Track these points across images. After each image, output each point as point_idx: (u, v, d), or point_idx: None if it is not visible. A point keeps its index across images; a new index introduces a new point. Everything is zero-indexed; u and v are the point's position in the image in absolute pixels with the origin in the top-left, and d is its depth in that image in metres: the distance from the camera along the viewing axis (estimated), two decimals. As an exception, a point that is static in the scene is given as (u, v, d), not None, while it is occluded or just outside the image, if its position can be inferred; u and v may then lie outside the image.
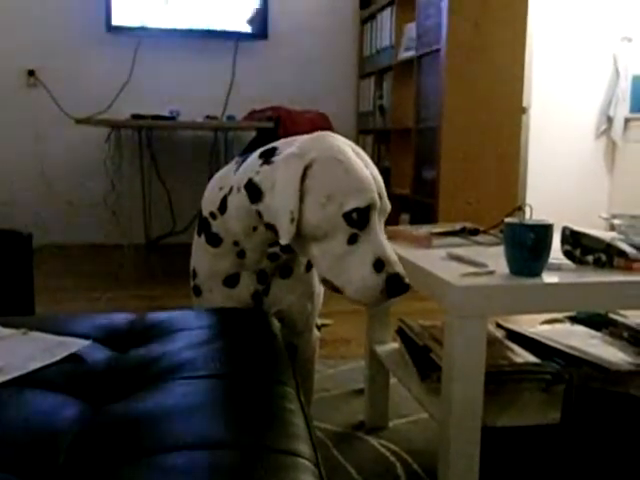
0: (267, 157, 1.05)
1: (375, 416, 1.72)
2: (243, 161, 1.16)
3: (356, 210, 0.98)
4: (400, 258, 1.40)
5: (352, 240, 0.99)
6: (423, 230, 1.61)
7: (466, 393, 1.15)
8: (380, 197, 1.02)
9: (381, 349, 1.65)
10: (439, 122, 3.23)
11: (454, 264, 1.28)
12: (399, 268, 1.00)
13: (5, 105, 4.16)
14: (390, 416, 1.74)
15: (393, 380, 1.72)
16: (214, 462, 0.59)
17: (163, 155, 4.31)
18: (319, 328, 1.47)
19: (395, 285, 0.99)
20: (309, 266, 1.22)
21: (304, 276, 1.23)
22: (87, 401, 0.77)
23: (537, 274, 1.18)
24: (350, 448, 1.60)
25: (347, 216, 0.98)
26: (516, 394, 1.33)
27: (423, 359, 1.42)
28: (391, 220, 1.91)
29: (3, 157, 4.19)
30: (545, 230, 1.15)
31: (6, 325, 0.94)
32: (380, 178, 1.06)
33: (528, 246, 1.15)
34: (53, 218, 4.16)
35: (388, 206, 1.06)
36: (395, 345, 1.65)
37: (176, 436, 0.64)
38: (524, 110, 3.45)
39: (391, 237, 1.61)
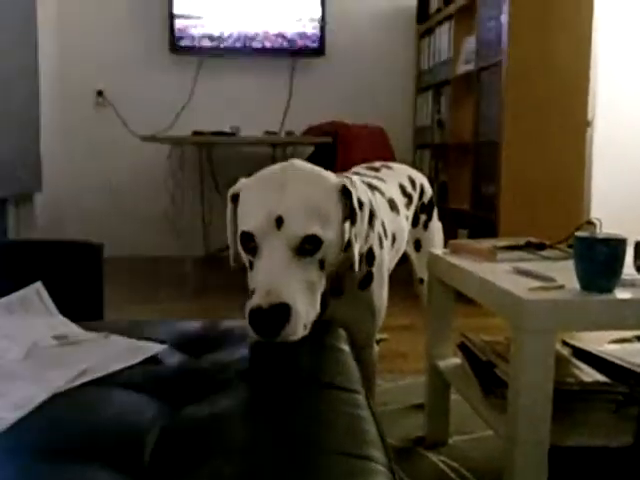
0: None
1: (435, 432, 1.69)
2: None
3: (243, 235, 0.99)
4: (464, 271, 1.40)
5: (251, 267, 0.99)
6: (486, 244, 1.58)
7: (533, 410, 1.13)
8: (280, 222, 0.95)
9: (442, 364, 1.63)
10: (499, 136, 3.18)
11: (521, 278, 1.26)
12: (263, 299, 0.86)
13: (77, 123, 4.36)
14: (450, 432, 1.71)
15: (454, 396, 1.70)
16: (291, 464, 0.60)
17: (222, 171, 4.41)
18: (378, 342, 1.46)
19: (254, 318, 0.87)
20: (364, 284, 1.23)
21: (359, 293, 1.25)
22: (166, 402, 0.80)
23: (609, 290, 1.15)
24: (410, 463, 1.58)
25: (241, 242, 1.00)
26: (585, 414, 1.29)
27: (486, 375, 1.40)
28: (449, 235, 1.89)
29: (74, 173, 4.37)
30: (618, 244, 1.12)
31: (88, 329, 0.98)
32: (298, 194, 0.98)
33: (600, 261, 1.12)
34: (118, 232, 4.30)
35: (296, 231, 0.95)
36: (457, 360, 1.62)
37: (252, 438, 0.66)
38: (588, 123, 3.37)
39: (453, 251, 1.60)
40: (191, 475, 0.60)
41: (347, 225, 1.06)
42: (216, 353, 0.96)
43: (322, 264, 0.99)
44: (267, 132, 3.74)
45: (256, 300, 0.88)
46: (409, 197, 1.66)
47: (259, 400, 0.77)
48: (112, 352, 0.89)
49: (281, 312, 0.87)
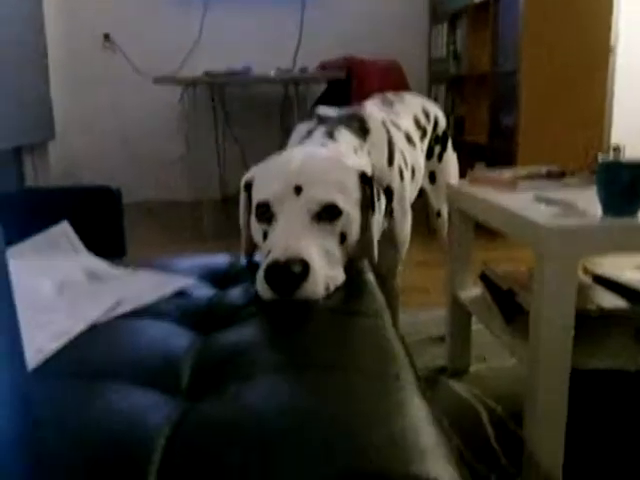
0: None
1: (457, 361, 1.74)
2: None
3: (258, 205, 0.96)
4: (485, 201, 1.39)
5: (264, 236, 0.96)
6: (507, 173, 1.57)
7: (555, 336, 1.14)
8: (299, 190, 0.93)
9: (464, 294, 1.65)
10: (518, 65, 3.10)
11: (543, 206, 1.26)
12: (281, 254, 0.84)
13: (83, 68, 4.31)
14: (471, 361, 1.75)
15: (474, 327, 1.73)
16: (321, 382, 0.63)
17: (236, 112, 4.36)
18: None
19: (271, 273, 0.83)
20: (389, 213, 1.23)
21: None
22: (197, 330, 0.83)
23: (632, 214, 1.14)
24: (433, 392, 1.62)
25: (256, 214, 0.97)
26: (606, 338, 1.30)
27: (508, 303, 1.42)
28: (466, 169, 1.88)
29: (86, 120, 4.35)
30: (642, 167, 1.11)
31: (119, 265, 1.01)
32: (317, 169, 0.96)
33: (623, 185, 1.12)
34: (133, 176, 4.31)
35: (315, 197, 0.93)
36: (477, 291, 1.64)
37: (280, 362, 0.68)
38: (611, 49, 3.26)
39: (473, 181, 1.59)
40: (224, 395, 0.62)
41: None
42: (241, 285, 0.98)
43: (343, 238, 0.95)
44: (280, 69, 3.68)
45: (273, 255, 0.85)
46: (423, 129, 1.65)
47: (286, 327, 0.80)
48: (143, 285, 0.92)
49: (299, 267, 0.83)
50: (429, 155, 1.71)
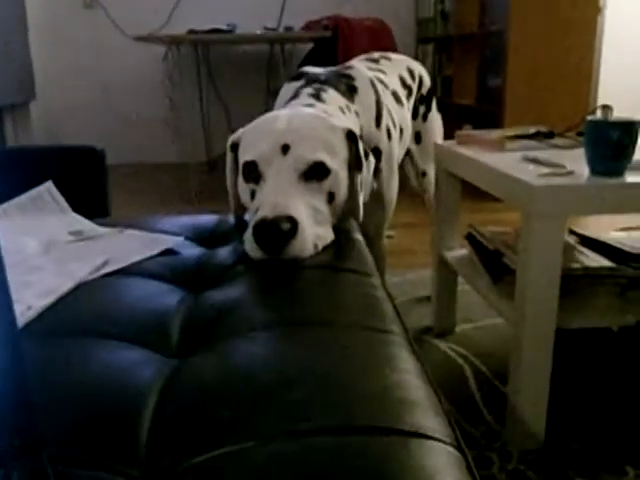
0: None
1: (443, 321, 1.75)
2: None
3: (245, 165, 0.95)
4: (473, 161, 1.39)
5: (252, 196, 0.95)
6: (495, 134, 1.57)
7: (541, 295, 1.16)
8: (286, 149, 0.92)
9: (450, 255, 1.66)
10: (506, 25, 3.07)
11: (531, 166, 1.26)
12: (269, 211, 0.84)
13: (64, 27, 4.19)
14: (457, 321, 1.77)
15: (459, 287, 1.74)
16: (310, 338, 0.63)
17: (221, 71, 4.29)
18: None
19: (259, 230, 0.83)
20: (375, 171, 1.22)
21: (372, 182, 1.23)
22: (187, 288, 0.82)
23: (620, 174, 1.15)
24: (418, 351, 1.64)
25: (243, 174, 0.96)
26: (591, 297, 1.32)
27: (494, 263, 1.42)
28: (453, 130, 1.87)
29: (67, 80, 4.26)
30: (631, 127, 1.11)
31: (101, 225, 0.99)
32: (304, 128, 0.95)
33: (612, 144, 1.12)
34: (117, 138, 4.25)
35: (303, 155, 0.92)
36: (464, 251, 1.65)
37: (271, 318, 0.68)
38: (599, 10, 3.23)
39: (460, 142, 1.58)
40: (214, 351, 0.62)
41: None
42: (229, 245, 0.97)
43: (331, 197, 0.94)
44: (265, 28, 3.61)
45: (261, 213, 0.84)
46: (409, 89, 1.63)
47: (275, 285, 0.80)
48: (130, 245, 0.91)
49: (287, 225, 0.82)
50: (414, 115, 1.70)
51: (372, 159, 1.05)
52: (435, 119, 1.80)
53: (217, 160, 4.38)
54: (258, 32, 3.50)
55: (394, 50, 3.44)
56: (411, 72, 1.68)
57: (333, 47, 3.35)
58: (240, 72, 4.28)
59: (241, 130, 1.03)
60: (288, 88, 1.26)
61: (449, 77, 3.93)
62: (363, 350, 0.61)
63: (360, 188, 1.00)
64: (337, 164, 0.95)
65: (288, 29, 3.64)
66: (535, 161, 1.29)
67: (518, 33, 3.04)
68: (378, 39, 3.36)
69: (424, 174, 1.80)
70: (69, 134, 4.22)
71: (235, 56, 4.25)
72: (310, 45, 3.76)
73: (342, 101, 1.18)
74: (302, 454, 0.46)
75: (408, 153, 1.71)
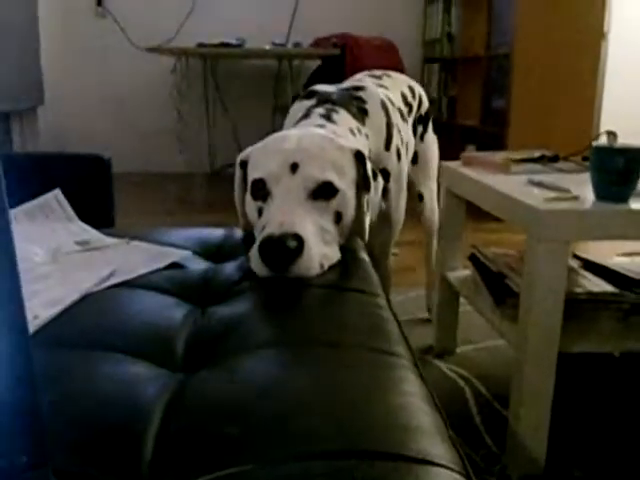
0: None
1: (444, 341, 1.74)
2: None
3: (254, 182, 0.95)
4: (478, 183, 1.39)
5: (260, 213, 0.95)
6: (500, 156, 1.57)
7: (545, 318, 1.15)
8: (295, 167, 0.92)
9: (452, 275, 1.65)
10: (512, 48, 3.09)
11: (536, 189, 1.26)
12: (276, 228, 0.84)
13: (77, 35, 4.22)
14: (458, 342, 1.76)
15: (462, 307, 1.73)
16: (316, 358, 0.63)
17: (228, 85, 4.31)
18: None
19: (265, 247, 0.83)
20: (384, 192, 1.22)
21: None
22: (193, 302, 0.82)
23: (625, 200, 1.14)
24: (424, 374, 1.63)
25: (252, 191, 0.96)
26: (593, 322, 1.31)
27: (498, 285, 1.42)
28: (456, 151, 1.87)
29: (76, 87, 4.27)
30: (637, 154, 1.11)
31: (108, 235, 0.99)
32: (313, 148, 0.95)
33: (617, 170, 1.12)
34: (123, 147, 4.25)
35: (312, 174, 0.92)
36: (467, 272, 1.64)
37: (275, 337, 0.68)
38: (604, 35, 3.25)
39: (465, 163, 1.59)
40: (220, 368, 0.62)
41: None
42: (236, 260, 0.97)
43: (338, 217, 0.94)
44: (274, 44, 3.63)
45: (267, 230, 0.84)
46: (410, 107, 1.63)
47: (282, 302, 0.79)
48: (137, 257, 0.90)
49: (294, 242, 0.82)
50: (413, 134, 1.70)
51: (381, 180, 1.05)
52: (432, 140, 1.80)
53: (220, 171, 4.39)
54: (267, 47, 3.52)
55: (401, 69, 3.46)
56: (412, 90, 1.69)
57: (341, 64, 3.37)
58: (247, 86, 4.30)
59: (250, 148, 1.03)
60: (299, 107, 1.27)
61: (454, 97, 3.94)
62: (369, 372, 0.60)
63: (367, 208, 1.00)
64: (345, 184, 0.95)
65: (296, 45, 3.66)
66: (540, 185, 1.29)
67: (523, 56, 3.06)
68: (386, 58, 3.38)
69: (420, 197, 1.79)
70: (76, 141, 4.22)
71: (243, 70, 4.28)
72: (318, 62, 3.78)
73: (353, 123, 1.18)
74: (306, 478, 0.45)
75: None
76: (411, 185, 1.80)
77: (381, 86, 1.52)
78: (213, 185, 4.07)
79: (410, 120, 1.65)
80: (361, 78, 1.60)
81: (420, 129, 1.74)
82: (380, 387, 0.58)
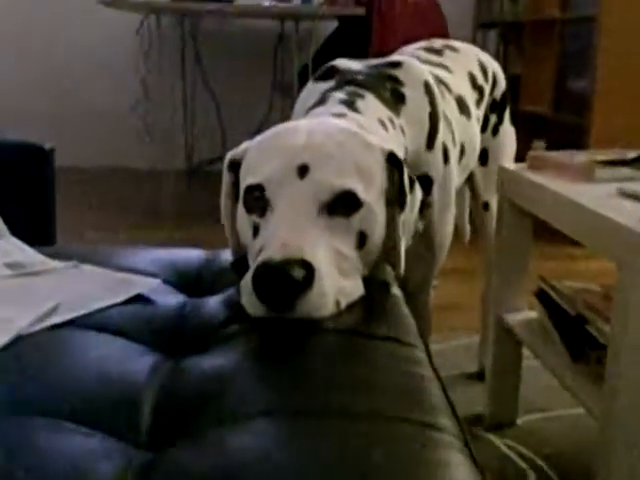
0: None
1: (500, 408, 1.74)
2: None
3: (248, 190, 0.94)
4: (550, 193, 1.40)
5: (255, 232, 0.94)
6: (581, 157, 1.58)
7: (640, 380, 1.15)
8: (304, 171, 0.91)
9: (512, 318, 1.66)
10: (599, 9, 3.10)
11: (630, 203, 1.26)
12: (276, 252, 0.82)
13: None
14: (520, 410, 1.75)
15: (525, 362, 1.73)
16: (330, 432, 0.63)
17: (212, 54, 4.35)
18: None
19: (261, 278, 0.81)
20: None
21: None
22: (162, 350, 0.82)
23: None
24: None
25: (245, 202, 0.95)
26: None
27: (576, 333, 1.42)
28: (520, 147, 1.88)
29: (11, 58, 4.32)
30: None
31: (48, 255, 1.00)
32: (329, 145, 0.94)
33: None
34: (71, 132, 4.29)
35: (326, 180, 0.90)
36: (532, 314, 1.65)
37: (274, 398, 0.68)
38: None
39: (534, 166, 1.59)
40: (199, 444, 0.62)
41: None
42: (222, 293, 0.97)
43: (362, 239, 0.92)
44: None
45: (265, 254, 0.82)
46: (480, 91, 1.64)
47: (281, 354, 0.79)
48: (88, 286, 0.91)
49: (300, 271, 0.80)
50: (483, 127, 1.70)
51: (418, 192, 1.04)
52: (508, 134, 1.81)
53: (199, 169, 4.42)
54: (266, 4, 3.56)
55: (444, 36, 3.49)
56: (483, 68, 1.69)
57: (365, 29, 3.39)
58: (238, 56, 4.34)
59: (245, 144, 1.03)
60: (313, 89, 1.27)
61: (517, 76, 3.97)
62: (402, 453, 0.60)
63: (402, 231, 0.99)
64: (372, 196, 0.94)
65: (306, 1, 3.69)
66: (636, 197, 1.29)
67: (613, 20, 3.07)
68: (425, 21, 3.41)
69: (486, 206, 1.80)
70: (13, 126, 4.26)
71: (233, 34, 4.32)
72: (334, 24, 3.81)
73: (384, 112, 1.18)
74: None
75: (470, 178, 1.71)
76: (473, 193, 1.81)
77: (441, 66, 1.52)
78: (191, 187, 4.10)
79: (481, 109, 1.65)
80: (412, 52, 1.61)
81: (493, 119, 1.75)
82: (417, 475, 0.58)
